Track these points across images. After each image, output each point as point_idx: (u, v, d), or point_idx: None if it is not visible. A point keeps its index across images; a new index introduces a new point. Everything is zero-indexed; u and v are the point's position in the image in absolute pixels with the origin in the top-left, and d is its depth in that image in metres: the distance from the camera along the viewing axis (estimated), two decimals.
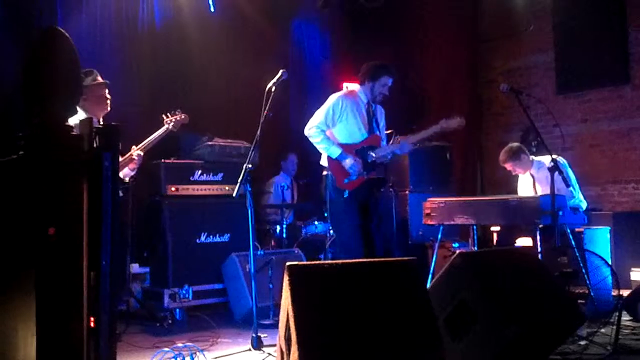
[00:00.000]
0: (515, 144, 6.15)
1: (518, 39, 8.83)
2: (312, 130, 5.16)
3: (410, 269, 3.15)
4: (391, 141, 5.36)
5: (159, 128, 5.33)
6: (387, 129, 5.48)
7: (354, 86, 5.68)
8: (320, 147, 5.17)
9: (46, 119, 2.59)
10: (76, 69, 2.76)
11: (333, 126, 5.17)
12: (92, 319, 2.49)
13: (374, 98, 5.26)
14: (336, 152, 5.08)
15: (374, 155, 5.15)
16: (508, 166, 6.08)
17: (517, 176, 6.36)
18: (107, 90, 4.80)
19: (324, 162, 5.22)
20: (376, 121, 5.30)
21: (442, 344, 3.00)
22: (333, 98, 5.27)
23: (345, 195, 5.06)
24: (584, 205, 5.85)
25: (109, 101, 4.79)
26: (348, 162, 5.05)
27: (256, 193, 5.98)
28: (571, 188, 5.66)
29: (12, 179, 2.63)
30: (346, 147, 5.11)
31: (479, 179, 9.13)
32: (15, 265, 2.55)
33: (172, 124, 5.30)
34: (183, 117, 5.38)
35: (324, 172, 5.25)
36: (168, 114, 5.36)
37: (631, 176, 7.80)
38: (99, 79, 4.77)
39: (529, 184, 6.14)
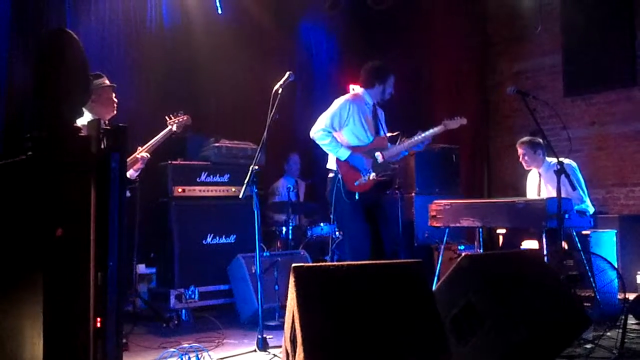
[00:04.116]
0: (538, 139, 6.11)
1: (526, 42, 8.81)
2: (319, 133, 5.16)
3: (416, 271, 3.15)
4: (397, 143, 5.37)
5: (166, 127, 5.36)
6: (392, 132, 5.48)
7: (357, 88, 5.69)
8: (328, 150, 5.17)
9: (55, 119, 2.60)
10: (85, 70, 2.77)
11: (340, 129, 5.18)
12: (98, 319, 2.50)
13: (383, 98, 5.29)
14: (345, 153, 5.08)
15: (382, 156, 5.16)
16: (520, 149, 6.05)
17: (525, 177, 6.35)
18: (114, 94, 4.83)
19: (331, 165, 5.21)
20: (380, 123, 5.33)
21: (448, 346, 3.00)
22: (340, 101, 5.27)
23: (356, 198, 5.06)
24: (591, 209, 5.83)
25: (115, 104, 4.82)
26: (359, 161, 5.06)
27: (262, 194, 5.99)
28: (580, 191, 5.65)
29: (20, 180, 2.64)
30: (354, 149, 5.12)
31: (485, 181, 9.11)
32: (23, 265, 2.56)
33: (175, 125, 5.34)
34: (186, 118, 5.42)
35: (330, 175, 5.25)
36: (171, 116, 5.40)
37: (638, 179, 7.77)
38: (107, 82, 4.79)
39: (535, 182, 6.13)
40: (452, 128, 5.28)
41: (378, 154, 5.15)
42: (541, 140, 6.07)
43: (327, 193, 5.27)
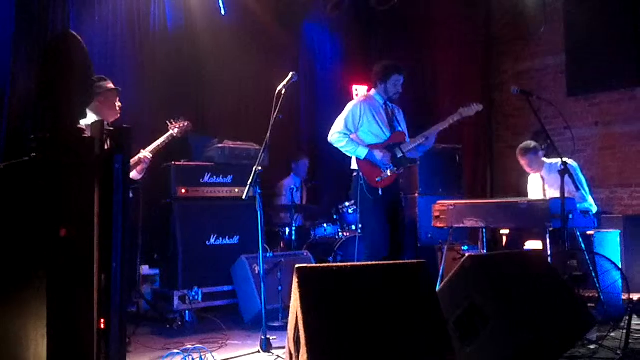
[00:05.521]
0: (533, 143, 6.14)
1: (529, 42, 8.81)
2: (335, 136, 5.25)
3: (420, 271, 3.15)
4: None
5: (167, 132, 5.40)
6: None
7: (360, 90, 5.72)
8: (346, 151, 5.24)
9: (59, 121, 2.61)
10: (89, 71, 2.78)
11: (355, 131, 5.25)
12: (102, 320, 2.51)
13: (389, 98, 5.34)
14: (363, 152, 5.15)
15: (401, 150, 5.20)
16: (523, 160, 6.09)
17: (527, 178, 6.35)
18: (117, 97, 4.85)
19: (354, 165, 5.28)
20: (396, 119, 5.37)
21: (452, 347, 3.00)
22: (352, 104, 5.39)
23: (380, 194, 5.11)
24: (594, 209, 5.83)
25: (119, 108, 4.84)
26: (378, 155, 5.11)
27: (266, 195, 6.00)
28: (582, 191, 5.65)
29: (24, 181, 2.65)
30: (372, 147, 5.17)
31: (488, 181, 9.11)
32: (27, 266, 2.56)
33: (176, 130, 5.39)
34: (186, 124, 5.49)
35: (354, 175, 5.31)
36: (172, 120, 5.43)
37: None
38: (111, 85, 4.81)
39: (539, 186, 6.14)
40: (469, 115, 5.29)
41: (397, 149, 5.21)
42: (533, 142, 6.11)
43: (350, 193, 5.35)
